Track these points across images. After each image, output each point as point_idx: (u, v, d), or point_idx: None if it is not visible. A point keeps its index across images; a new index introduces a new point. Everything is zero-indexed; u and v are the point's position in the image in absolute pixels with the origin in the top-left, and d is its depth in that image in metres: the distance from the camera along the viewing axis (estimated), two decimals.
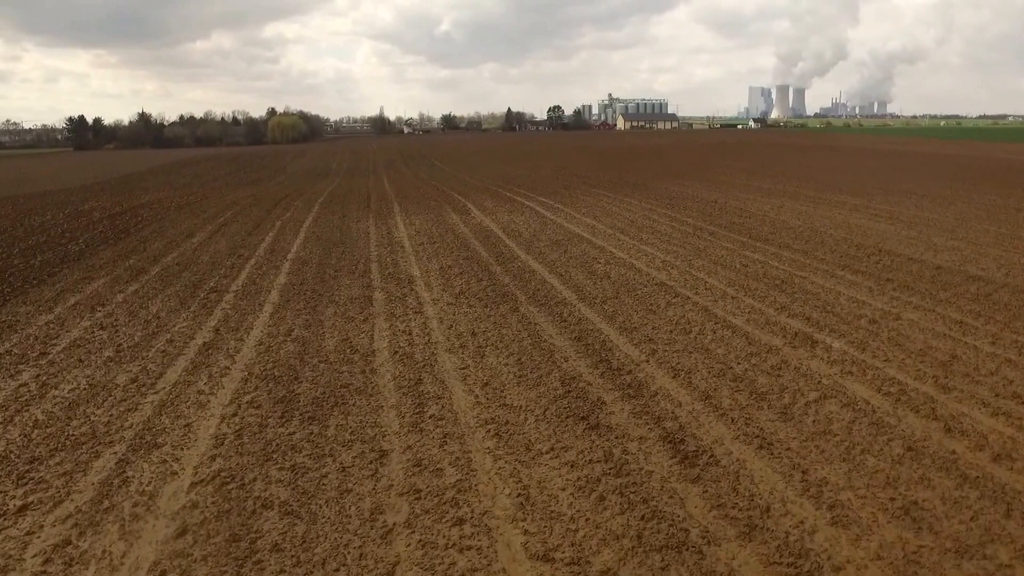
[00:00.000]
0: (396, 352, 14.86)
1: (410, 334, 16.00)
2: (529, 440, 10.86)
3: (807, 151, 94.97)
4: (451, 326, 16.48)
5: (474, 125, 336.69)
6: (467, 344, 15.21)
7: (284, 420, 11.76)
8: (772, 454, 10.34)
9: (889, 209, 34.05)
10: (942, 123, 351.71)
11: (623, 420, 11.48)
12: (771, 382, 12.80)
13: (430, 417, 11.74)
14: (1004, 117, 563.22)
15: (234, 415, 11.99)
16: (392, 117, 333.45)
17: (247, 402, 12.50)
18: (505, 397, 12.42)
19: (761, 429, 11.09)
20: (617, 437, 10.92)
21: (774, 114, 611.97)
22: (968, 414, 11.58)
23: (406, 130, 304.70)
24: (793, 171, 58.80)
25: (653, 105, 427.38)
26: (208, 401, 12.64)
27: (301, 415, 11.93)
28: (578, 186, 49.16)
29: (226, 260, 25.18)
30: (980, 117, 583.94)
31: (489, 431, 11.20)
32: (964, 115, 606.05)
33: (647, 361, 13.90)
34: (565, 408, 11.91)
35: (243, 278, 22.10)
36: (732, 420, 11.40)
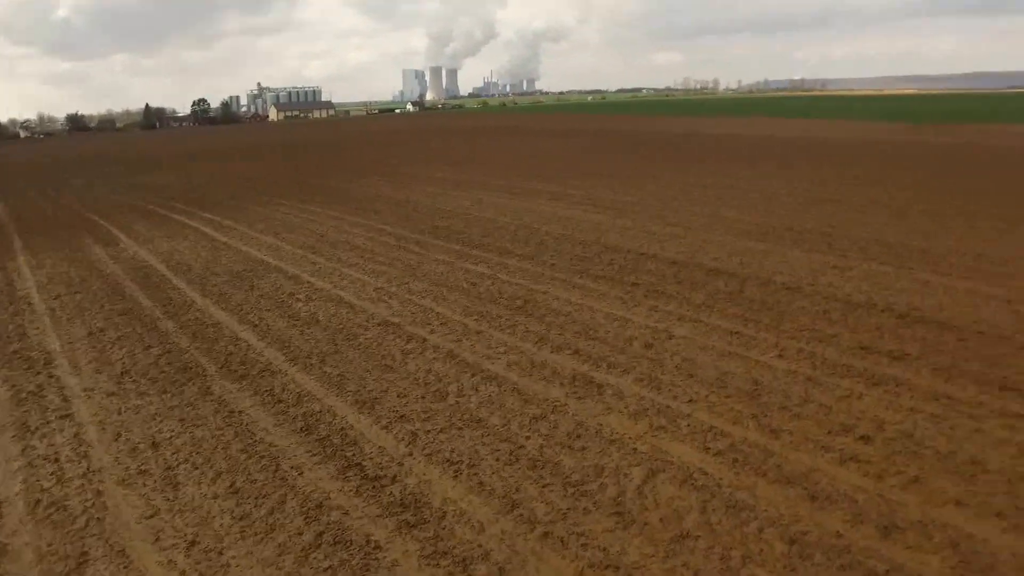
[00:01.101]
0: (38, 503, 9.66)
1: (57, 460, 10.76)
2: None
3: (475, 134, 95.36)
4: (119, 435, 11.39)
5: (107, 124, 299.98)
6: (149, 466, 10.34)
7: None
8: None
9: (589, 195, 33.10)
10: (589, 98, 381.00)
11: (414, 573, 7.74)
12: (579, 462, 9.71)
13: None
14: (639, 90, 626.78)
15: None
16: (3, 119, 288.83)
17: None
18: (229, 570, 8.05)
19: (605, 551, 7.91)
20: None
21: (430, 96, 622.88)
22: (817, 467, 9.37)
23: (23, 134, 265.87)
24: (471, 157, 57.51)
25: (306, 93, 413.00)
26: None
27: None
28: (246, 194, 41.56)
29: None
30: (619, 91, 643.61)
31: None
32: (606, 89, 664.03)
33: (411, 454, 10.15)
34: (325, 571, 7.87)
35: None
36: (564, 544, 8.07)
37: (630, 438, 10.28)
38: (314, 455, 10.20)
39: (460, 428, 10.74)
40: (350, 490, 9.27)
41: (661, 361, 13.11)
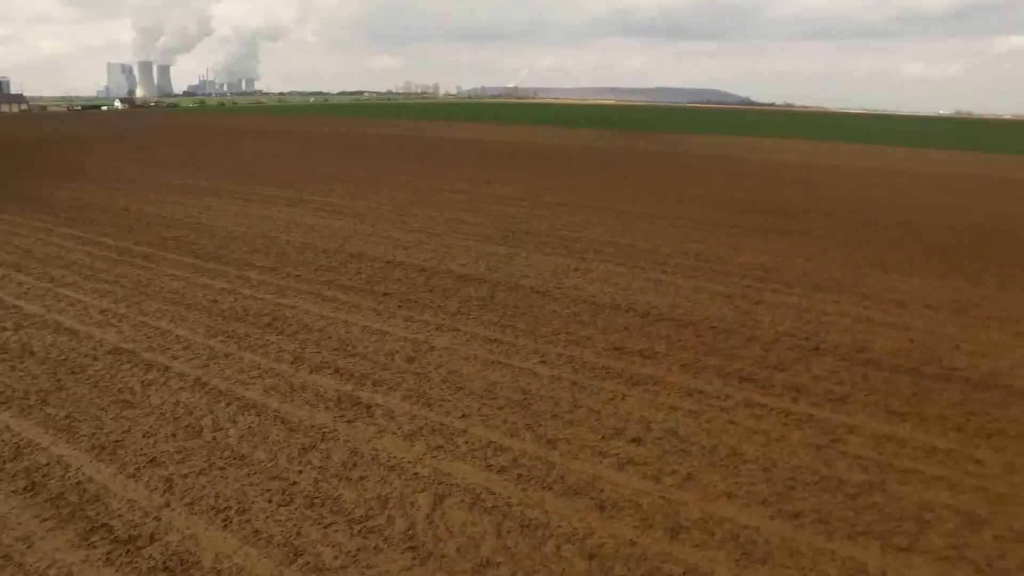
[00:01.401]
0: None
1: None
2: None
3: (196, 135, 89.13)
4: None
5: None
6: None
7: None
8: None
9: (326, 200, 31.95)
10: (311, 100, 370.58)
11: None
12: (360, 495, 9.04)
13: None
14: (361, 93, 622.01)
15: None
16: None
17: None
18: None
19: None
20: None
21: (140, 93, 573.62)
22: (599, 475, 9.48)
23: None
24: (196, 160, 53.47)
25: None
26: None
27: None
28: None
29: None
30: (341, 93, 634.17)
31: None
32: (327, 91, 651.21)
33: (168, 505, 8.87)
34: None
35: None
36: None
37: (409, 462, 9.79)
38: (45, 520, 8.57)
39: (222, 468, 9.64)
40: (98, 559, 7.86)
41: (427, 375, 12.73)
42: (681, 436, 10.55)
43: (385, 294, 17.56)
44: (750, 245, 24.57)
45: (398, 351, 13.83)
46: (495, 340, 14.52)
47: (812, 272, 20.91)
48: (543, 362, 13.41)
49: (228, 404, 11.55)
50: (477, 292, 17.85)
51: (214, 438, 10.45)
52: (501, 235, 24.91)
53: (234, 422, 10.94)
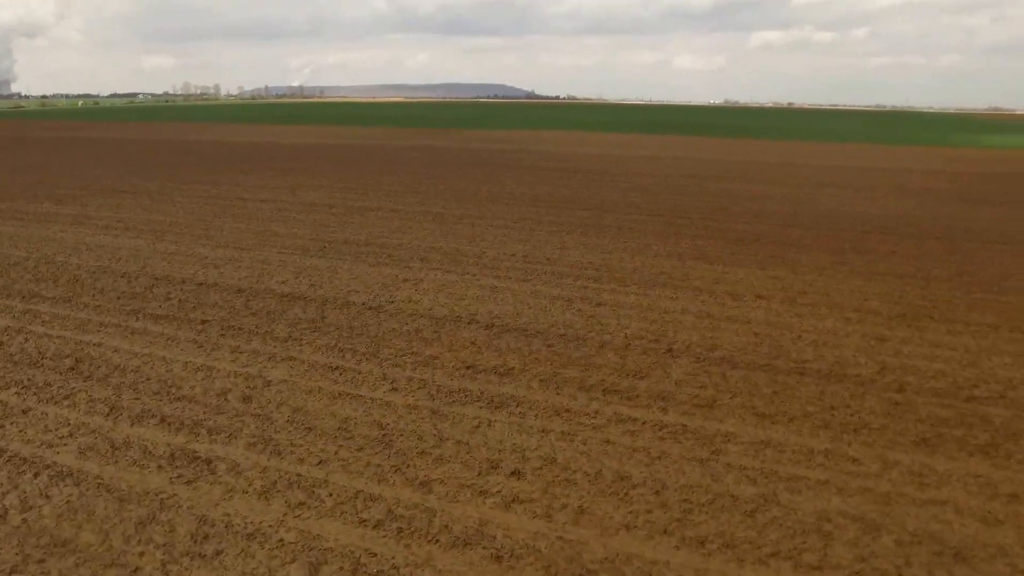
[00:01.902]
0: None
1: None
2: None
3: None
4: None
5: None
6: None
7: None
8: None
9: (117, 215, 28.83)
10: (79, 103, 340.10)
11: None
12: (220, 575, 7.81)
13: None
14: (136, 95, 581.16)
15: None
16: None
17: None
18: None
19: None
20: None
21: None
22: (486, 519, 8.77)
23: None
24: None
25: None
26: None
27: None
28: None
29: None
30: (113, 96, 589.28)
31: None
32: (97, 94, 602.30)
33: None
34: None
35: None
36: None
37: (270, 526, 8.61)
38: None
39: (41, 560, 8.00)
40: None
41: (269, 416, 11.45)
42: (561, 464, 10.03)
43: (203, 322, 15.87)
44: (574, 242, 24.64)
45: (230, 390, 12.39)
46: (337, 368, 13.39)
47: (642, 268, 21.19)
48: (394, 389, 12.48)
49: (36, 474, 9.77)
50: (305, 313, 16.55)
51: (25, 521, 8.73)
52: (318, 246, 23.50)
53: (47, 497, 9.23)
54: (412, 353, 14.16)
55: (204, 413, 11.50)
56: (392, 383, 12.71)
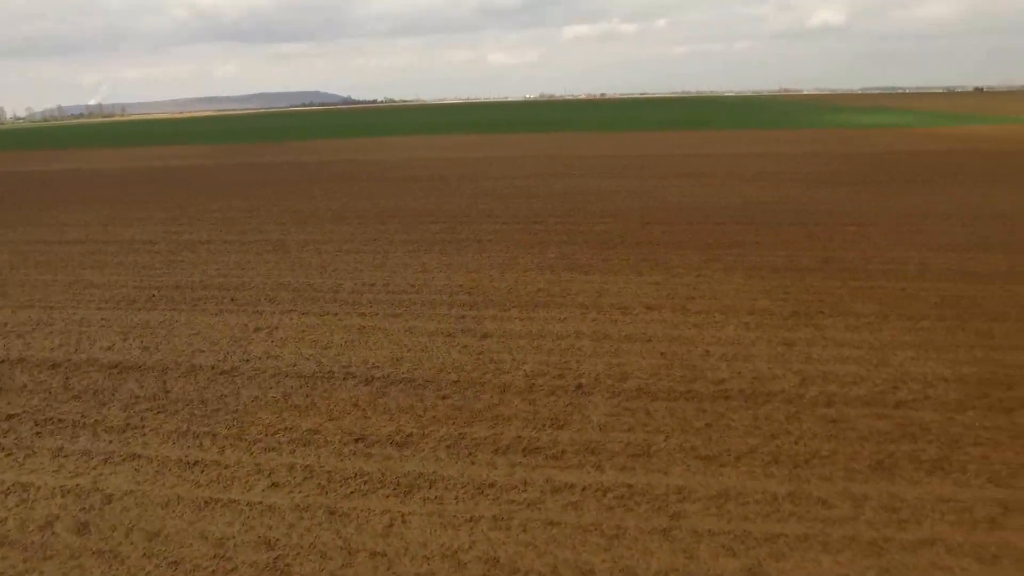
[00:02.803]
0: None
1: None
2: None
3: None
4: None
5: None
6: None
7: None
8: None
9: None
10: None
11: None
12: None
13: None
14: None
15: None
16: None
17: None
18: None
19: None
20: None
21: None
22: None
23: None
24: None
25: None
26: None
27: None
28: None
29: None
30: None
31: None
32: None
33: None
34: None
35: None
36: None
37: None
38: None
39: None
40: None
41: (116, 552, 8.79)
42: (506, 565, 8.11)
43: (10, 416, 12.75)
44: (435, 263, 22.66)
45: (58, 517, 9.60)
46: (195, 462, 10.84)
47: (516, 286, 19.52)
48: (274, 485, 10.12)
49: None
50: (143, 388, 13.73)
51: None
52: (145, 296, 20.30)
53: None
54: (286, 429, 11.79)
55: (25, 562, 8.72)
56: (270, 476, 10.34)
